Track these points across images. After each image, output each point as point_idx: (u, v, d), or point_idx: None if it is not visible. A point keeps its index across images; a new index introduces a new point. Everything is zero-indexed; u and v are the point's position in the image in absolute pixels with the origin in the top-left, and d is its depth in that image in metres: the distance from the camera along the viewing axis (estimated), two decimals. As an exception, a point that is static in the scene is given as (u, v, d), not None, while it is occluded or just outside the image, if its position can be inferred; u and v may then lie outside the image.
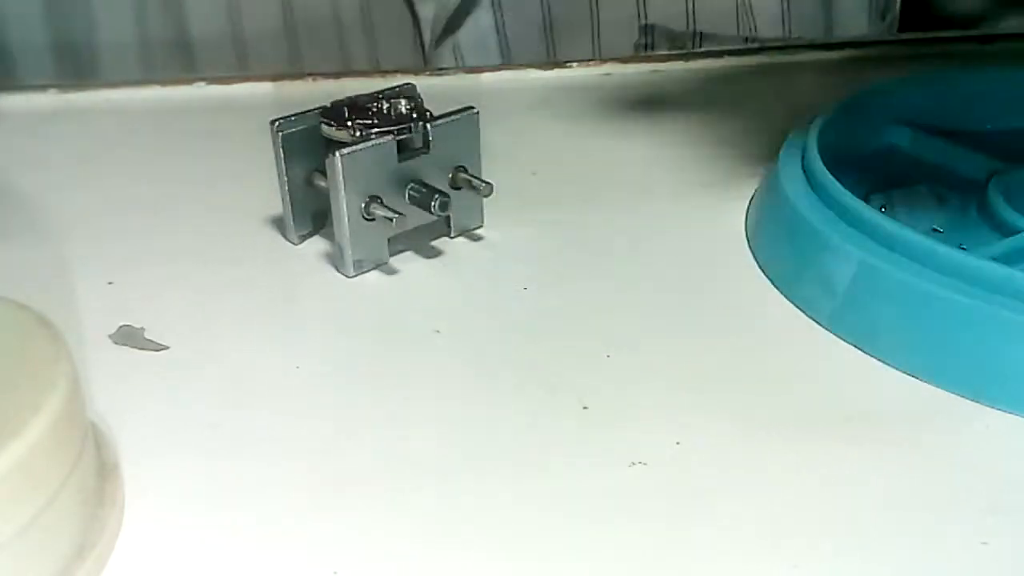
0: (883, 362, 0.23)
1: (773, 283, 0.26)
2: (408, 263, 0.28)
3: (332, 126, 0.27)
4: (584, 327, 0.25)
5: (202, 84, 0.41)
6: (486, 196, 0.28)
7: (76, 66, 0.44)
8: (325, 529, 0.19)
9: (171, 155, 0.36)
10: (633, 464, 0.20)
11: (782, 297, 0.25)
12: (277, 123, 0.27)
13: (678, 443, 0.21)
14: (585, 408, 0.22)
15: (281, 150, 0.27)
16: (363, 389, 0.23)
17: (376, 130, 0.26)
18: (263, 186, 0.33)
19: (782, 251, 0.26)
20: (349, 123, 0.26)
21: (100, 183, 0.33)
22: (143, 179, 0.33)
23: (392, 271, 0.27)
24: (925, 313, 0.22)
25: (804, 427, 0.21)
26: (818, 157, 0.26)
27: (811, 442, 0.21)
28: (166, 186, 0.33)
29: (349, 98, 0.27)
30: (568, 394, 0.22)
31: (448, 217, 0.28)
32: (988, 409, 0.21)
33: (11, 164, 0.35)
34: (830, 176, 0.26)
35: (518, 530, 0.19)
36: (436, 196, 0.27)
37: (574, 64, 0.41)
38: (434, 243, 0.29)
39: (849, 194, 0.25)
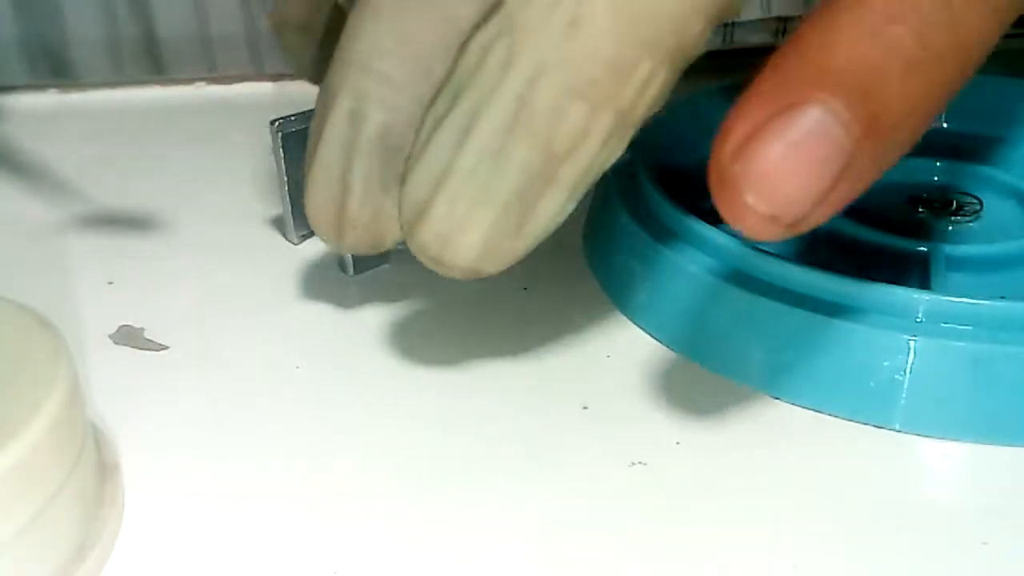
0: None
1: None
2: (408, 263, 0.28)
3: None
4: (583, 326, 0.25)
5: (202, 84, 0.41)
6: None
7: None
8: (325, 529, 0.19)
9: (171, 155, 0.36)
10: (633, 464, 0.20)
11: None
12: (277, 123, 0.27)
13: (678, 443, 0.21)
14: (585, 408, 0.22)
15: (280, 150, 0.27)
16: (363, 389, 0.23)
17: None
18: (263, 186, 0.33)
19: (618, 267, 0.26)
20: None
21: (99, 183, 0.33)
22: (143, 179, 0.33)
23: (392, 271, 0.27)
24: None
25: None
26: (645, 174, 0.26)
27: (810, 440, 0.21)
28: (166, 186, 0.33)
29: None
30: (568, 394, 0.22)
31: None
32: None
33: (10, 164, 0.35)
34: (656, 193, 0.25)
35: (517, 530, 0.19)
36: None
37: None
38: (434, 243, 0.29)
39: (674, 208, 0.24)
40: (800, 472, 0.20)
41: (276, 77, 0.42)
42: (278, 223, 0.30)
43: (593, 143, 0.17)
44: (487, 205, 0.18)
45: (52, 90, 0.41)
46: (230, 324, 0.25)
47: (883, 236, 0.25)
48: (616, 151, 0.18)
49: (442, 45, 0.18)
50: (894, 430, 0.21)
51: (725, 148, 0.15)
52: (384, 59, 0.19)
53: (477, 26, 0.18)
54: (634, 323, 0.25)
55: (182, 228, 0.30)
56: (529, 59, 0.17)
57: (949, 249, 0.25)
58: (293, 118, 0.27)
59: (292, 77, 0.43)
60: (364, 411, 0.22)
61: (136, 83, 0.41)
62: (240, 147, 0.36)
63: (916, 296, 0.21)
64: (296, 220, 0.28)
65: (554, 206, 0.18)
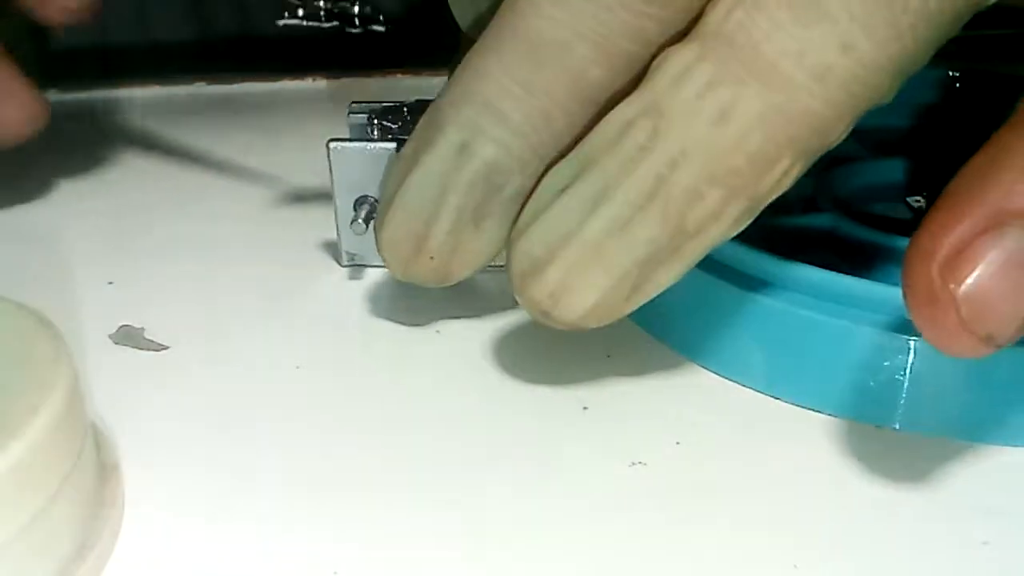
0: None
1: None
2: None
3: (373, 123, 0.27)
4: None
5: (202, 84, 0.41)
6: None
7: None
8: (325, 529, 0.19)
9: (171, 154, 0.36)
10: (633, 464, 0.20)
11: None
12: (352, 104, 0.27)
13: (678, 443, 0.21)
14: (585, 408, 0.22)
15: (332, 168, 0.27)
16: (363, 389, 0.23)
17: (392, 135, 0.26)
18: (261, 185, 0.33)
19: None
20: (375, 121, 0.26)
21: (99, 182, 0.33)
22: (143, 179, 0.33)
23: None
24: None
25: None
26: None
27: (810, 440, 0.21)
28: (166, 185, 0.33)
29: (418, 101, 0.27)
30: (568, 394, 0.22)
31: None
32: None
33: (11, 164, 0.35)
34: None
35: (518, 530, 0.19)
36: None
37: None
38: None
39: None
40: (800, 472, 0.20)
41: (276, 77, 0.42)
42: (277, 223, 0.30)
43: (723, 225, 0.18)
44: (605, 274, 0.18)
45: (52, 90, 0.41)
46: (230, 324, 0.25)
47: (883, 236, 0.25)
48: (740, 228, 0.18)
49: (567, 100, 0.18)
50: (894, 430, 0.21)
51: (932, 265, 0.15)
52: (506, 101, 0.18)
53: (615, 100, 0.18)
54: (634, 323, 0.25)
55: (182, 227, 0.30)
56: (673, 143, 0.17)
57: None
58: (368, 104, 0.27)
59: (291, 77, 0.43)
60: (364, 411, 0.22)
61: (135, 83, 0.41)
62: (240, 147, 0.36)
63: None
64: (345, 242, 0.27)
65: (670, 275, 0.18)
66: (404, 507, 0.19)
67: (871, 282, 0.21)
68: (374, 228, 0.20)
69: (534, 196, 0.19)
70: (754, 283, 0.22)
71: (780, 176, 0.17)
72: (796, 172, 0.17)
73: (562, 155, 0.19)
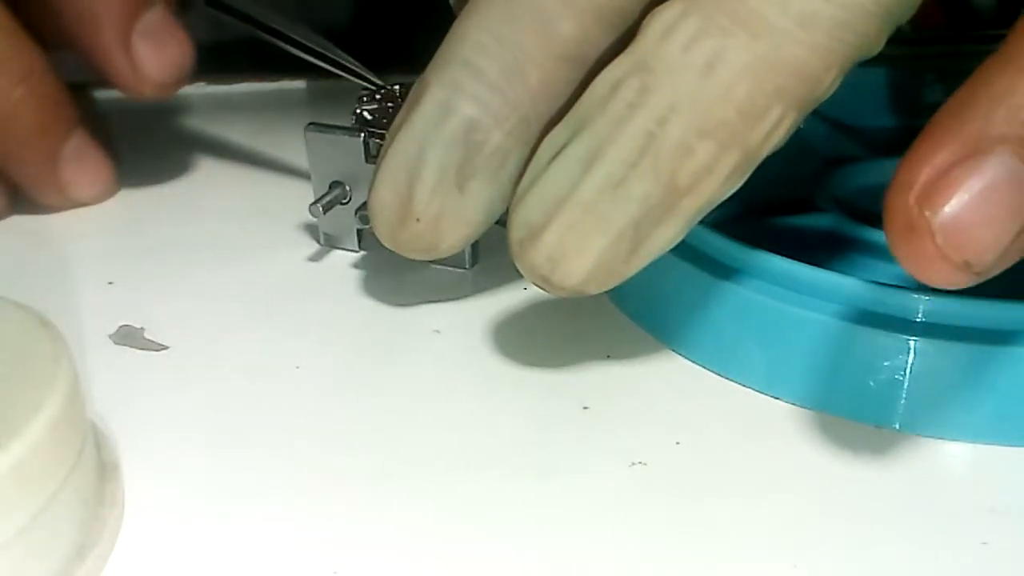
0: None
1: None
2: (408, 264, 0.28)
3: (362, 107, 0.27)
4: (583, 326, 0.25)
5: (202, 84, 0.41)
6: None
7: None
8: (325, 529, 0.19)
9: (170, 154, 0.36)
10: (633, 464, 0.20)
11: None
12: (362, 89, 0.28)
13: (678, 443, 0.21)
14: (585, 408, 0.22)
15: (308, 150, 0.27)
16: (363, 389, 0.23)
17: (364, 126, 0.27)
18: (262, 185, 0.33)
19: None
20: (357, 111, 0.27)
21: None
22: (143, 178, 0.33)
23: (392, 272, 0.27)
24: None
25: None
26: None
27: (810, 440, 0.21)
28: (166, 185, 0.33)
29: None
30: (568, 394, 0.22)
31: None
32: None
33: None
34: None
35: (518, 530, 0.19)
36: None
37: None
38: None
39: None
40: (800, 472, 0.20)
41: (276, 77, 0.42)
42: (277, 222, 0.30)
43: (716, 179, 0.18)
44: (602, 234, 0.18)
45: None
46: (230, 324, 0.25)
47: (883, 236, 0.25)
48: (736, 185, 0.18)
49: (539, 54, 0.19)
50: (894, 430, 0.21)
51: (910, 194, 0.15)
52: (482, 57, 0.19)
53: (593, 56, 0.19)
54: (634, 323, 0.25)
55: (182, 227, 0.30)
56: (661, 98, 0.17)
57: None
58: (373, 92, 0.28)
59: (291, 77, 0.43)
60: (363, 411, 0.22)
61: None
62: (240, 147, 0.36)
63: (916, 296, 0.21)
64: (321, 222, 0.28)
65: (668, 235, 0.18)
66: (404, 507, 0.19)
67: (871, 282, 0.21)
68: (368, 195, 0.21)
69: (532, 163, 0.19)
70: (754, 282, 0.22)
71: (772, 127, 0.17)
72: (789, 123, 0.17)
73: (549, 119, 0.19)
